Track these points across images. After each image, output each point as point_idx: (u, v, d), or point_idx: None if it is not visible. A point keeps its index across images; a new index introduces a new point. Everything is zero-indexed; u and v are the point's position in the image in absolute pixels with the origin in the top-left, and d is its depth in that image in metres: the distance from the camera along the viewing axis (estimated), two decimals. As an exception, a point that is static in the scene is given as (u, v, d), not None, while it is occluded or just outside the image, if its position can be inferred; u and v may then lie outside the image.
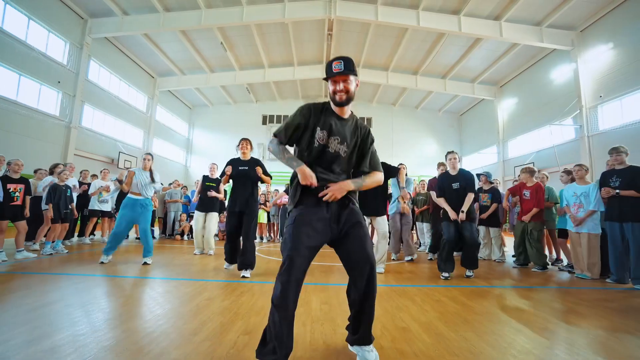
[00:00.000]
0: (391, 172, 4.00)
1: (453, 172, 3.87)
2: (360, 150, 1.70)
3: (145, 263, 3.94)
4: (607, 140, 10.09)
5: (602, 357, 1.60)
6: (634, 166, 3.54)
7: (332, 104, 1.63)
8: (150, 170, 4.32)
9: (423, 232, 6.20)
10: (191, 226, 7.02)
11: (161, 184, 4.41)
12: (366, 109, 19.92)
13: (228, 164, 3.82)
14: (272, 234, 8.21)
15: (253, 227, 3.66)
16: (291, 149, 1.68)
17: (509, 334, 1.90)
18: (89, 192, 5.97)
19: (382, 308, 2.32)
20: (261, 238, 7.78)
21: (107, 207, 6.19)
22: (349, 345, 1.60)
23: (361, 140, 1.68)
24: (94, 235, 6.79)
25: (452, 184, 3.80)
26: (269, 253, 5.63)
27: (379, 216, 3.92)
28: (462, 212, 3.67)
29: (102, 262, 3.89)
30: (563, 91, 12.06)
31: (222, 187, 5.18)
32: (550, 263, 4.78)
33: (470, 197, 3.70)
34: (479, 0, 10.63)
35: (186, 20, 11.49)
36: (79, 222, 6.10)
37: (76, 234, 6.23)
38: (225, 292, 2.74)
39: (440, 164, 4.88)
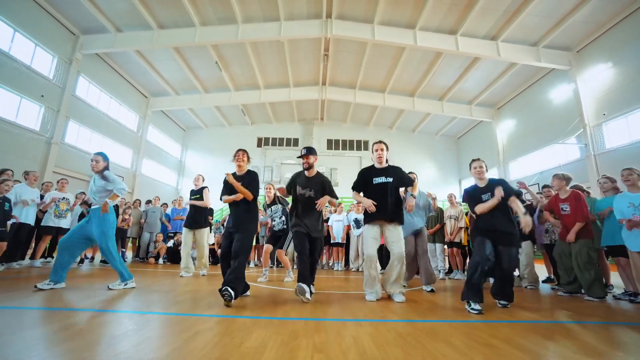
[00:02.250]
0: (406, 181, 3.40)
1: (481, 184, 3.20)
2: (327, 191, 3.37)
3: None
4: (616, 158, 9.65)
5: None
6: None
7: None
8: (101, 172, 3.48)
9: (435, 255, 5.42)
10: (168, 248, 6.16)
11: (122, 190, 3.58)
12: (362, 132, 19.69)
13: (225, 181, 3.30)
14: (261, 258, 7.33)
15: (245, 246, 2.95)
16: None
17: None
18: (41, 206, 5.07)
19: (405, 354, 1.55)
20: (248, 263, 6.89)
21: (66, 223, 5.30)
22: None
23: (323, 185, 3.38)
24: (52, 257, 5.78)
25: (482, 196, 3.12)
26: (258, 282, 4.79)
27: (392, 223, 3.22)
28: (525, 214, 2.86)
29: (36, 287, 3.00)
30: (564, 111, 11.81)
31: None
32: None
33: (514, 199, 2.98)
34: (475, 21, 10.61)
35: (180, 37, 11.30)
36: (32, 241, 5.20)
37: (28, 256, 5.31)
38: (173, 331, 1.94)
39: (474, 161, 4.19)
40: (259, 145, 19.62)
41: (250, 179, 3.20)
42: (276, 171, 18.86)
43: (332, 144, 19.65)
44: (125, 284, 3.27)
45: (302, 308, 2.63)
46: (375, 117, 18.18)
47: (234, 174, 3.28)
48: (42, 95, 10.00)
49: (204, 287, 3.71)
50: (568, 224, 3.66)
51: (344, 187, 16.03)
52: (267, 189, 4.92)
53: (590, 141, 10.54)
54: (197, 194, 4.84)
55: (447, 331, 2.00)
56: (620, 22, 9.74)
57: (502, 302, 2.91)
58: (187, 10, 10.45)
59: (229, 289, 2.55)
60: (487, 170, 3.24)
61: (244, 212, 3.15)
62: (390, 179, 3.26)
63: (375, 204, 3.17)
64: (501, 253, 2.86)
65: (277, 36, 11.23)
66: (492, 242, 2.89)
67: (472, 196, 3.20)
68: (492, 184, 3.11)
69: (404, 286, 3.96)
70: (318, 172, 3.40)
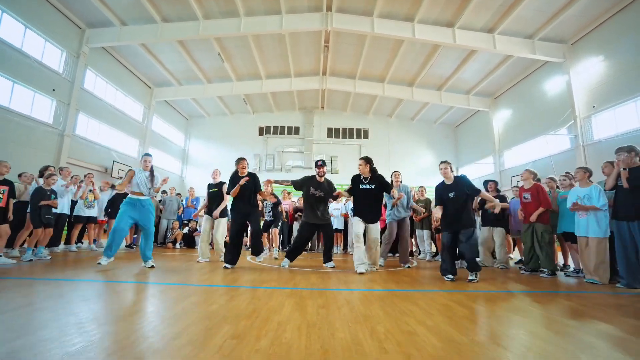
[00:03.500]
0: (387, 187, 4.32)
1: (448, 182, 3.99)
2: (331, 192, 4.57)
3: (152, 266, 3.95)
4: (602, 149, 10.14)
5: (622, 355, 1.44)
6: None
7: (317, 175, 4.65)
8: (151, 171, 4.27)
9: (423, 240, 6.05)
10: (184, 234, 6.78)
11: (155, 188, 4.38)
12: (362, 120, 20.04)
13: (232, 179, 4.56)
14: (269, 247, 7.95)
15: (259, 231, 4.75)
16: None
17: (525, 337, 1.73)
18: (73, 197, 5.68)
19: (384, 312, 2.14)
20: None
21: (94, 212, 5.94)
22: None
23: (330, 186, 4.66)
24: (82, 243, 6.51)
25: (449, 194, 3.90)
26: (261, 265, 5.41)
27: (373, 224, 4.33)
28: (493, 204, 4.22)
29: (99, 264, 3.75)
30: (557, 102, 12.20)
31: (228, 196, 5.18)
32: (558, 269, 4.67)
33: (480, 196, 4.04)
34: (471, 14, 10.85)
35: (184, 30, 11.57)
36: (65, 229, 5.84)
37: (62, 241, 5.96)
38: (214, 296, 2.54)
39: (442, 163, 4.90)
40: (260, 133, 20.02)
41: (256, 181, 4.58)
42: (277, 159, 19.35)
43: (332, 132, 20.04)
44: (146, 263, 4.03)
45: (307, 281, 3.27)
46: (375, 105, 18.51)
47: (236, 173, 4.55)
48: (54, 89, 10.41)
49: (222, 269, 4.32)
50: (529, 210, 4.36)
51: (344, 174, 16.59)
52: (266, 184, 5.68)
53: (580, 132, 10.99)
54: (215, 187, 5.24)
55: (417, 296, 2.66)
56: (613, 16, 9.99)
57: (470, 277, 3.66)
58: (190, 4, 10.68)
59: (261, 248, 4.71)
60: (452, 171, 4.05)
61: (250, 205, 4.52)
62: (373, 186, 4.21)
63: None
64: (460, 235, 3.76)
65: (279, 29, 11.49)
66: (452, 233, 3.84)
67: (441, 192, 4.01)
68: (456, 183, 3.91)
69: (380, 265, 5.00)
70: (325, 177, 4.66)
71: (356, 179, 4.34)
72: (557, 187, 4.71)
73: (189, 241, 6.86)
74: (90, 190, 5.88)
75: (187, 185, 19.17)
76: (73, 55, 11.19)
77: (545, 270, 4.16)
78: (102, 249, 6.08)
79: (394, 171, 5.13)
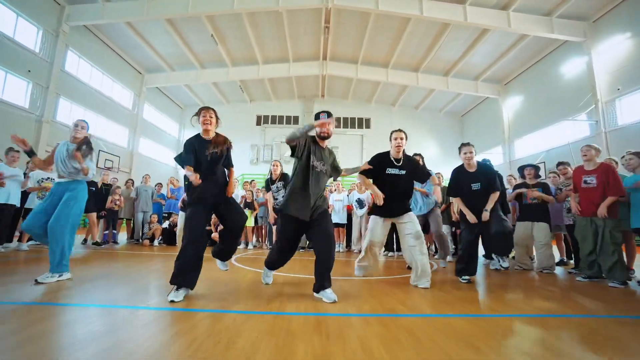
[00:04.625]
0: (423, 176, 3.28)
1: (470, 169, 3.25)
2: (334, 165, 2.76)
3: (36, 282, 2.51)
4: (627, 135, 9.34)
5: None
6: None
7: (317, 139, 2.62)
8: (82, 144, 2.91)
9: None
10: (163, 229, 5.98)
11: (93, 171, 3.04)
12: (364, 109, 19.16)
13: (187, 145, 2.57)
14: (260, 239, 7.19)
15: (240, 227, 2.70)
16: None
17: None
18: (27, 187, 4.77)
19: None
20: (246, 244, 6.74)
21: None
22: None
23: (332, 158, 2.75)
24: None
25: (472, 185, 3.19)
26: (256, 263, 4.65)
27: (402, 215, 3.00)
28: (486, 210, 3.12)
29: (37, 282, 2.54)
30: (574, 86, 11.32)
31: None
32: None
33: (495, 195, 3.17)
34: (485, -12, 9.94)
35: (172, 7, 10.66)
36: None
37: (15, 239, 5.14)
38: (151, 327, 1.75)
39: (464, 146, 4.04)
40: (258, 123, 19.18)
41: (226, 150, 2.69)
42: (276, 150, 18.54)
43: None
44: (60, 276, 2.69)
45: (298, 301, 2.30)
46: (377, 93, 17.61)
47: (198, 136, 2.61)
48: (29, 71, 9.56)
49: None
50: (593, 199, 3.31)
51: (345, 166, 15.76)
52: (274, 165, 4.72)
53: (602, 118, 10.14)
54: None
55: (466, 328, 1.80)
56: (642, -11, 9.09)
57: (502, 264, 3.36)
58: (178, -22, 9.78)
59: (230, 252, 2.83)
60: (475, 154, 3.24)
61: (225, 181, 2.68)
62: (404, 172, 3.00)
63: (383, 196, 2.86)
64: (487, 226, 3.13)
65: (276, 6, 10.57)
66: (477, 229, 3.20)
67: (458, 180, 3.26)
68: (482, 173, 3.17)
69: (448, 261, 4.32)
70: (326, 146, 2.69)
71: (381, 160, 3.05)
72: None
73: (170, 237, 6.01)
74: (48, 178, 4.96)
75: (181, 178, 18.44)
76: (51, 34, 10.30)
77: (615, 280, 3.10)
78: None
79: (415, 154, 4.13)
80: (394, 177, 2.98)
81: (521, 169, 4.40)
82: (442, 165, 18.04)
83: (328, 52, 14.30)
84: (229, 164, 2.78)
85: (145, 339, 1.43)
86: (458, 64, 14.10)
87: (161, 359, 1.24)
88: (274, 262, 2.71)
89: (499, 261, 3.71)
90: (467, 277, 3.10)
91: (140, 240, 6.21)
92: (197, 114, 2.64)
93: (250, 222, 6.61)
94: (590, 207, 3.33)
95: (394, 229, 3.60)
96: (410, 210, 3.05)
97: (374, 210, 3.07)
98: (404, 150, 3.06)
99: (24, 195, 4.84)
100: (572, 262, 4.73)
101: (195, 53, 14.10)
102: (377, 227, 3.01)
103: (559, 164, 4.51)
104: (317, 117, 2.55)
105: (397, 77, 15.16)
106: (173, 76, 15.50)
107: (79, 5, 10.71)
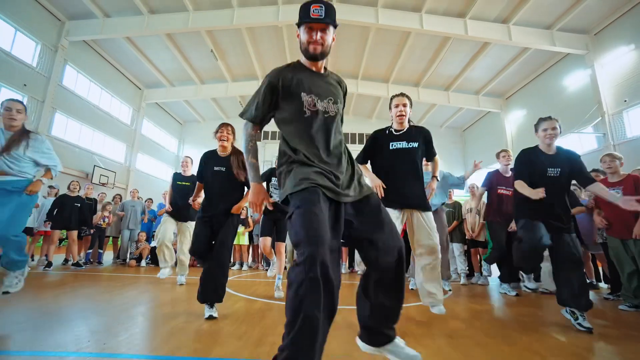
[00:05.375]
0: (432, 151, 2.63)
1: (549, 152, 2.44)
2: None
3: (6, 292, 2.24)
4: (637, 147, 9.02)
5: None
6: None
7: (303, 60, 1.45)
8: (21, 133, 2.40)
9: (454, 255, 4.77)
10: (152, 248, 5.56)
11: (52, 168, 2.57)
12: (365, 125, 19.00)
13: (202, 160, 2.75)
14: (255, 259, 6.74)
15: (225, 249, 2.45)
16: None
17: None
18: None
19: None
20: (241, 264, 6.28)
21: (30, 221, 4.72)
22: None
23: (344, 94, 1.54)
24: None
25: (549, 169, 2.36)
26: (250, 288, 4.23)
27: (420, 210, 2.38)
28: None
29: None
30: (579, 99, 11.14)
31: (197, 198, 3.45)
32: None
33: (599, 186, 2.33)
34: (484, 3, 9.92)
35: (172, 22, 10.66)
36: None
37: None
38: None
39: (503, 152, 3.71)
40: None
41: (241, 164, 2.61)
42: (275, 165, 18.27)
43: (333, 138, 19.01)
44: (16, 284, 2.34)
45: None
46: (378, 109, 17.53)
47: (213, 153, 2.72)
48: (25, 85, 9.41)
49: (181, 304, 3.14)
50: (622, 214, 2.91)
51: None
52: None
53: (609, 130, 9.88)
54: (187, 181, 4.14)
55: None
56: (642, 1, 9.04)
57: (583, 322, 2.15)
58: (178, -7, 9.81)
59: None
60: (560, 131, 2.47)
61: (238, 195, 2.61)
62: (415, 144, 2.41)
63: (384, 186, 2.35)
64: (558, 237, 2.28)
65: (275, 21, 10.57)
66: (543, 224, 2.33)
67: (531, 162, 2.43)
68: (563, 155, 2.39)
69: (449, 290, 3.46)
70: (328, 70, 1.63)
71: (380, 135, 2.55)
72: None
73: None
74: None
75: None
76: (50, 49, 10.24)
77: None
78: (43, 267, 4.82)
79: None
80: (402, 153, 2.39)
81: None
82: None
83: (328, 67, 14.24)
84: (246, 184, 2.62)
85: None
86: (459, 78, 14.03)
87: None
88: None
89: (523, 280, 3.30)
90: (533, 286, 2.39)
91: (127, 260, 5.77)
92: (216, 130, 2.70)
93: (244, 241, 6.19)
94: (620, 225, 2.94)
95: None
96: (428, 207, 2.42)
97: (383, 201, 2.27)
98: (409, 119, 2.54)
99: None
100: (601, 284, 4.30)
101: (195, 68, 14.09)
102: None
103: (593, 170, 4.11)
104: (304, 11, 1.36)
105: (397, 91, 14.98)
106: (172, 91, 15.45)
107: (79, 20, 10.72)
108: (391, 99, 2.62)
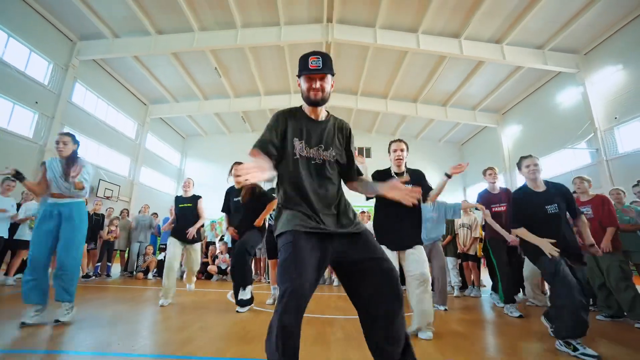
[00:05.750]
0: (427, 190, 2.72)
1: (538, 189, 2.54)
2: (347, 154, 1.57)
3: (57, 321, 2.42)
4: (630, 163, 9.28)
5: None
6: None
7: (304, 106, 1.53)
8: (70, 159, 2.74)
9: (448, 269, 4.94)
10: (159, 261, 5.73)
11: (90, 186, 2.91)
12: (365, 139, 19.36)
13: (225, 195, 3.65)
14: (258, 272, 6.88)
15: (252, 243, 3.21)
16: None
17: None
18: (17, 219, 4.59)
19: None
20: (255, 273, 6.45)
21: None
22: None
23: (346, 141, 1.57)
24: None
25: (546, 207, 2.42)
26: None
27: (411, 249, 2.52)
28: (593, 245, 2.49)
29: (23, 324, 2.37)
30: (572, 115, 11.47)
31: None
32: None
33: (585, 223, 2.52)
34: (478, 24, 10.37)
35: (178, 42, 11.12)
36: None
37: (2, 271, 4.90)
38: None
39: (489, 169, 3.87)
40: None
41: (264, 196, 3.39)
42: (277, 179, 18.48)
43: (333, 151, 19.33)
44: (72, 308, 2.60)
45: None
46: (377, 123, 17.91)
47: (233, 189, 3.50)
48: (37, 102, 9.77)
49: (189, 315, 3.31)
50: (591, 230, 3.05)
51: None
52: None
53: (602, 146, 10.16)
54: (189, 202, 4.18)
55: None
56: (628, 24, 9.47)
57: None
58: (185, 15, 10.26)
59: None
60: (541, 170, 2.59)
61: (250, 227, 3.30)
62: (409, 186, 2.50)
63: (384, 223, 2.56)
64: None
65: (277, 41, 11.02)
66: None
67: (527, 202, 2.52)
68: (557, 191, 2.49)
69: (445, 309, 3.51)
70: (331, 115, 1.65)
71: (380, 178, 2.65)
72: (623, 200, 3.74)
73: (166, 269, 5.80)
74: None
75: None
76: (61, 68, 10.65)
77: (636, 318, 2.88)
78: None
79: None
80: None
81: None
82: (444, 194, 17.87)
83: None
84: (266, 200, 3.39)
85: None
86: (456, 94, 14.43)
87: None
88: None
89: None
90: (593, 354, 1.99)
91: (134, 272, 5.94)
92: (230, 170, 3.34)
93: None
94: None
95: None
96: (420, 242, 2.58)
97: (379, 240, 2.50)
98: (405, 163, 2.71)
99: (14, 226, 4.66)
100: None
101: (199, 85, 14.52)
102: None
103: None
104: (303, 63, 1.46)
105: (396, 107, 15.47)
106: (176, 107, 15.86)
107: (90, 41, 11.19)
108: (390, 143, 2.80)
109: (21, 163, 9.26)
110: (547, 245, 2.23)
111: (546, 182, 2.61)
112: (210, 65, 12.78)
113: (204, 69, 13.18)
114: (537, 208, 2.46)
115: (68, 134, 2.85)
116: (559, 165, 11.96)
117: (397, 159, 2.68)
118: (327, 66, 1.43)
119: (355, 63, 13.12)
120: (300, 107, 1.55)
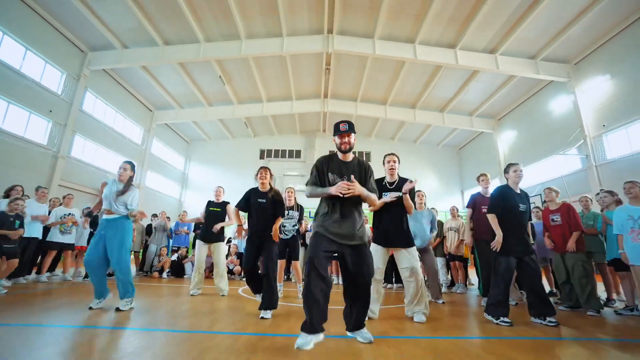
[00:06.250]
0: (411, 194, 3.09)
1: (517, 190, 3.18)
2: (364, 179, 2.36)
3: (117, 309, 2.98)
4: (617, 169, 9.69)
5: None
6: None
7: (338, 153, 2.39)
8: (127, 183, 3.32)
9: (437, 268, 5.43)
10: (172, 261, 6.18)
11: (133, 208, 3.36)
12: (365, 143, 19.81)
13: (247, 194, 3.57)
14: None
15: (273, 263, 3.25)
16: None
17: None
18: (48, 223, 5.12)
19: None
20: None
21: (70, 238, 5.37)
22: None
23: (365, 172, 2.39)
24: (53, 272, 5.78)
25: (520, 205, 3.08)
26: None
27: (403, 248, 2.99)
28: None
29: (90, 308, 3.04)
30: (564, 122, 11.90)
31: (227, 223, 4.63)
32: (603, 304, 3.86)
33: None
34: (473, 35, 10.82)
35: (185, 53, 11.59)
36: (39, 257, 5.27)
37: (34, 270, 5.36)
38: (232, 348, 1.96)
39: (482, 176, 4.29)
40: (261, 157, 19.80)
41: (280, 202, 3.52)
42: (279, 183, 18.91)
43: (334, 155, 19.76)
44: (131, 301, 3.17)
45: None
46: (377, 128, 18.35)
47: (256, 190, 3.54)
48: (50, 111, 10.24)
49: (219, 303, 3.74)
50: (555, 236, 3.77)
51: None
52: (288, 192, 4.75)
53: (591, 152, 10.58)
54: (218, 207, 4.66)
55: (446, 347, 2.03)
56: (616, 36, 9.91)
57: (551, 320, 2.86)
58: (191, 27, 10.75)
59: (273, 303, 3.05)
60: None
61: (268, 230, 3.38)
62: (401, 194, 2.95)
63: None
64: (530, 261, 2.99)
65: (280, 51, 11.49)
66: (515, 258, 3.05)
67: (508, 198, 3.14)
68: (525, 197, 3.20)
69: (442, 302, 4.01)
70: (356, 156, 2.47)
71: (378, 185, 2.92)
72: (590, 207, 4.18)
73: (178, 270, 6.23)
74: (70, 214, 5.34)
75: (187, 213, 18.72)
76: (73, 77, 11.14)
77: (592, 309, 3.43)
78: (80, 278, 5.53)
79: (417, 191, 4.22)
80: (393, 202, 2.96)
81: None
82: (442, 197, 18.40)
83: (329, 91, 15.18)
84: (276, 213, 3.47)
85: None
86: (453, 101, 14.88)
87: None
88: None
89: None
90: (508, 321, 2.83)
91: (150, 272, 6.40)
92: (257, 172, 3.60)
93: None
94: (560, 242, 3.70)
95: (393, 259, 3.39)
96: (412, 244, 3.03)
97: (374, 238, 3.11)
98: (398, 172, 3.18)
99: (46, 229, 5.16)
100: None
101: (203, 92, 15.00)
102: (377, 255, 2.95)
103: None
104: (336, 128, 2.32)
105: (395, 113, 15.92)
106: (181, 113, 16.34)
107: (100, 52, 11.68)
108: (385, 156, 3.26)
109: (36, 168, 9.76)
110: (499, 240, 3.01)
111: (521, 189, 3.25)
112: (214, 73, 13.25)
113: (209, 77, 13.65)
114: (513, 204, 3.09)
115: (129, 162, 3.41)
116: (552, 170, 12.37)
117: (390, 169, 3.17)
118: (351, 128, 2.32)
119: (355, 71, 13.59)
120: (336, 153, 2.41)
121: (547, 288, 4.90)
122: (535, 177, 13.48)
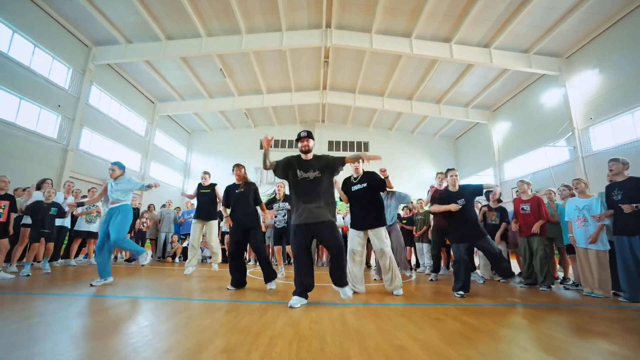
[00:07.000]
0: (380, 185, 3.71)
1: (455, 189, 3.82)
2: (329, 166, 3.12)
3: (142, 265, 4.07)
4: (601, 160, 10.13)
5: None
6: (634, 177, 3.48)
7: (301, 154, 3.17)
8: (119, 179, 4.08)
9: (422, 253, 6.02)
10: (184, 247, 6.79)
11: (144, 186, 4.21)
12: (363, 133, 20.21)
13: (225, 190, 4.23)
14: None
15: (261, 246, 3.82)
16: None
17: (516, 352, 1.72)
18: (75, 212, 5.71)
19: (376, 326, 2.14)
20: (255, 261, 7.49)
21: (94, 227, 5.98)
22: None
23: (326, 163, 3.12)
24: (77, 258, 6.41)
25: (458, 201, 3.67)
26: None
27: (372, 229, 3.55)
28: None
29: (91, 285, 3.57)
30: (555, 114, 12.31)
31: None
32: (558, 282, 4.70)
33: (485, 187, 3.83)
34: (468, 29, 11.09)
35: (187, 47, 11.89)
36: (65, 243, 5.87)
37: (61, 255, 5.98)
38: (209, 311, 2.54)
39: (440, 174, 4.85)
40: (261, 147, 20.17)
41: (255, 192, 4.13)
42: (279, 172, 19.42)
43: (333, 146, 20.19)
44: (146, 257, 3.91)
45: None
46: (375, 119, 18.70)
47: (232, 184, 4.21)
48: (59, 105, 10.64)
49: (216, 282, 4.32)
50: (524, 223, 4.34)
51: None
52: (279, 186, 5.29)
53: (579, 144, 11.04)
54: (208, 188, 5.24)
55: (411, 311, 2.62)
56: (606, 31, 10.21)
57: (516, 281, 4.14)
58: (193, 23, 11.01)
59: (274, 274, 3.76)
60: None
61: (253, 212, 3.98)
62: (365, 184, 3.66)
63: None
64: (478, 245, 3.66)
65: (279, 46, 11.78)
66: (464, 244, 3.64)
67: (447, 199, 3.80)
68: (464, 190, 3.78)
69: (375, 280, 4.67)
70: (315, 154, 3.20)
71: (346, 182, 3.86)
72: (554, 199, 4.72)
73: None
74: (94, 205, 5.91)
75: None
76: (79, 72, 11.49)
77: (544, 285, 4.10)
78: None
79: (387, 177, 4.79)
80: (359, 192, 3.68)
81: (487, 193, 5.19)
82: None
83: (327, 83, 15.49)
84: (256, 199, 4.14)
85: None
86: (449, 93, 15.21)
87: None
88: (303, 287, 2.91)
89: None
90: (462, 293, 3.44)
91: (163, 257, 7.03)
92: (233, 169, 4.26)
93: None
94: (528, 229, 4.29)
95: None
96: (383, 224, 3.59)
97: (351, 224, 3.80)
98: (362, 169, 3.80)
99: (73, 218, 5.80)
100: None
101: (205, 84, 15.31)
102: (354, 238, 3.66)
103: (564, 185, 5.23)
104: (298, 137, 3.15)
105: (392, 104, 16.27)
106: (183, 105, 16.68)
107: (104, 46, 11.97)
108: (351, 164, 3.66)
109: (48, 161, 10.24)
110: (453, 207, 3.62)
111: (461, 186, 3.82)
112: (215, 66, 13.56)
113: (210, 70, 13.96)
114: (452, 200, 3.73)
115: (116, 163, 4.16)
116: (543, 160, 12.82)
117: (355, 169, 3.83)
118: (310, 135, 3.13)
119: (353, 64, 13.88)
120: (299, 154, 3.19)
121: (517, 270, 5.50)
122: (526, 167, 13.97)
